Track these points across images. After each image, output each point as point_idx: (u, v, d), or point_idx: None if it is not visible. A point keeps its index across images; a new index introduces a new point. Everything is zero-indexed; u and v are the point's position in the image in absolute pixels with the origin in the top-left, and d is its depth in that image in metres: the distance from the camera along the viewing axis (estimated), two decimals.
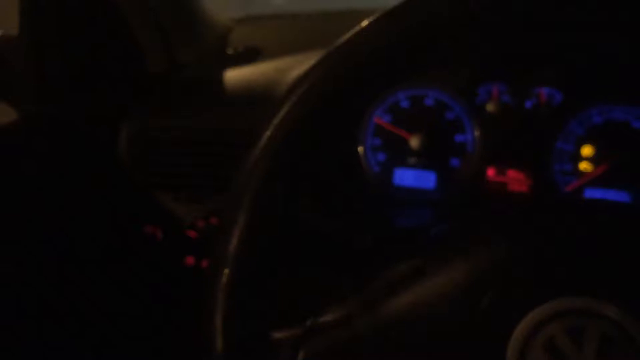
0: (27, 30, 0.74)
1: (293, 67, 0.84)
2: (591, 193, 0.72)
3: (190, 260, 0.72)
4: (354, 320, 0.40)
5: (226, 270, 0.41)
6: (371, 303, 0.40)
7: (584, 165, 0.72)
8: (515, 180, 0.74)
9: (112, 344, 0.79)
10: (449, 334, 0.38)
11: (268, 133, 0.43)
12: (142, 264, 0.77)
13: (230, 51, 0.92)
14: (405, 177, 0.78)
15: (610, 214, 0.44)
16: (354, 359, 0.39)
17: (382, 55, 0.45)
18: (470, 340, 0.37)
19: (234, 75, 0.85)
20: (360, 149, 0.78)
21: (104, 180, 0.78)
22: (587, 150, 0.72)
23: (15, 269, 0.73)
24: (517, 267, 0.39)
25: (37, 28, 0.74)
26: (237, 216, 0.41)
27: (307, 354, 0.40)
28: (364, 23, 0.45)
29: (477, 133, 0.75)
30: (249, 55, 0.91)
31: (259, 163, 0.43)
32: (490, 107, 0.74)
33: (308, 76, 0.44)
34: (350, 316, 0.40)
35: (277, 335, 0.41)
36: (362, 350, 0.39)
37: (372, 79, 0.47)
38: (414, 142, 0.76)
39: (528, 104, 0.73)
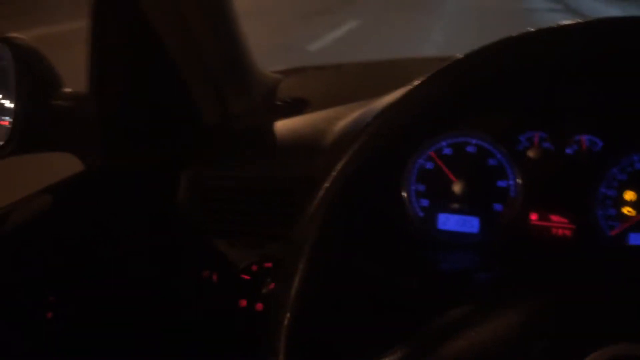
0: (95, 89, 0.80)
1: (339, 117, 0.88)
2: (636, 238, 0.73)
3: (243, 302, 0.76)
4: None
5: (287, 315, 0.44)
6: (425, 347, 0.43)
7: (627, 210, 0.73)
8: (559, 225, 0.76)
9: None
10: None
11: (327, 185, 0.46)
12: (200, 306, 0.80)
13: (278, 102, 0.97)
14: (449, 221, 0.81)
15: None
16: None
17: (434, 110, 0.49)
18: None
19: (283, 126, 0.90)
20: (404, 194, 0.81)
21: (166, 228, 0.82)
22: (629, 195, 0.73)
23: (78, 310, 0.78)
24: (569, 313, 0.41)
25: (104, 87, 0.80)
26: (298, 264, 0.45)
27: None
28: (418, 81, 0.49)
29: (519, 179, 0.77)
30: (297, 106, 0.96)
31: (318, 213, 0.46)
32: (531, 153, 0.76)
33: (364, 130, 0.48)
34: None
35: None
36: None
37: (421, 130, 0.50)
38: (457, 188, 0.79)
39: (569, 151, 0.75)
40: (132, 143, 0.83)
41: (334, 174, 0.47)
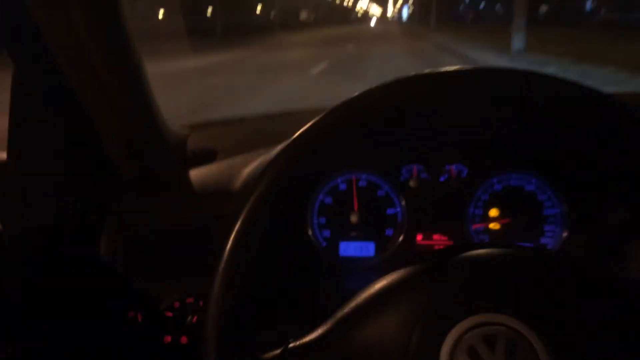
0: (14, 148, 0.85)
1: (244, 164, 0.98)
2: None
3: (168, 338, 0.82)
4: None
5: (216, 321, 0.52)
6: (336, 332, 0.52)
7: (492, 225, 0.88)
8: (440, 242, 0.89)
9: None
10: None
11: (237, 225, 0.55)
12: (127, 345, 0.85)
13: (189, 154, 1.05)
14: (349, 248, 0.92)
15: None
16: None
17: (328, 148, 0.58)
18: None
19: (195, 174, 0.98)
20: (308, 228, 0.91)
21: (89, 276, 0.87)
22: (493, 212, 0.88)
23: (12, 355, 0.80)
24: (436, 301, 0.52)
25: (23, 147, 0.85)
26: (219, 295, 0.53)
27: None
28: (311, 122, 0.58)
29: (404, 205, 0.90)
30: (206, 156, 1.05)
31: (232, 249, 0.54)
32: (412, 183, 0.89)
33: (266, 173, 0.57)
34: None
35: (266, 356, 0.52)
36: None
37: (318, 169, 0.60)
38: (354, 218, 0.91)
39: (442, 179, 0.89)
40: (51, 200, 0.88)
41: (243, 213, 0.56)
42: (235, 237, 0.55)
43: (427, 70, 0.57)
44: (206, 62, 11.68)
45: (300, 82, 8.31)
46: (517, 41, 11.39)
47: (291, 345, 0.52)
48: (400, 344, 0.50)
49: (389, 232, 0.91)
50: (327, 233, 0.92)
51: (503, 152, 0.88)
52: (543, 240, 0.87)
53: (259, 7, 46.38)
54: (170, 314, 0.82)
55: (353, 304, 0.54)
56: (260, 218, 0.56)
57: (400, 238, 0.90)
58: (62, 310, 0.84)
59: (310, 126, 0.58)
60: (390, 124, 0.59)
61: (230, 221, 0.56)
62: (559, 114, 0.55)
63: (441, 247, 0.89)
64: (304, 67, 10.19)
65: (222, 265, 0.53)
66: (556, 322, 0.48)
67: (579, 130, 0.55)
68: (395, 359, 0.50)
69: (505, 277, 0.53)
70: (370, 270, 0.89)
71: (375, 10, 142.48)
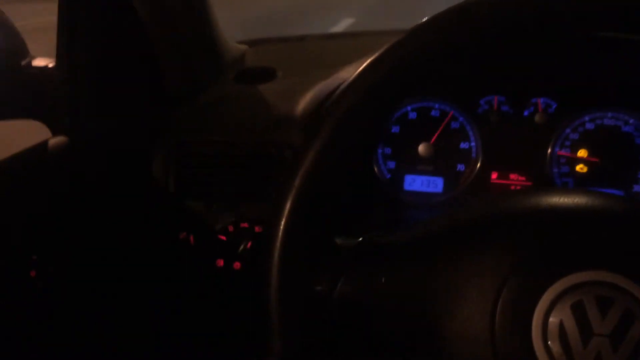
0: (63, 61, 0.80)
1: (304, 86, 0.91)
2: None
3: (221, 262, 0.78)
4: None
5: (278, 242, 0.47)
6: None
7: (579, 167, 0.79)
8: (517, 182, 0.81)
9: (147, 341, 0.84)
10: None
11: (311, 153, 0.49)
12: (178, 266, 0.82)
13: (246, 71, 0.98)
14: (415, 182, 0.85)
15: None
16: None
17: (401, 73, 0.51)
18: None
19: (251, 94, 0.91)
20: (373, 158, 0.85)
21: (140, 195, 0.83)
22: (581, 154, 0.79)
23: (61, 269, 0.78)
24: (530, 250, 0.45)
25: (72, 59, 0.80)
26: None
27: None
28: (386, 46, 0.51)
29: (480, 140, 0.82)
30: (263, 75, 0.98)
31: (299, 172, 0.48)
32: (491, 116, 0.81)
33: (343, 97, 0.50)
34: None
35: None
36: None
37: (395, 96, 0.53)
38: (422, 150, 0.83)
39: (526, 113, 0.80)
40: (99, 114, 0.84)
41: (318, 140, 0.49)
42: (308, 163, 0.49)
43: None
44: None
45: None
46: None
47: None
48: (491, 288, 0.44)
49: (460, 167, 0.83)
50: (392, 165, 0.85)
51: (599, 87, 0.78)
52: (636, 188, 0.78)
53: None
54: (223, 238, 0.78)
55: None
56: (334, 146, 0.50)
57: (473, 175, 0.82)
58: (110, 228, 0.81)
59: (392, 48, 0.51)
60: (475, 48, 0.51)
61: (301, 148, 0.49)
62: None
63: (518, 187, 0.81)
64: None
65: (291, 192, 0.47)
66: None
67: None
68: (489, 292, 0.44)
69: (613, 230, 0.45)
70: (437, 207, 0.83)
71: None
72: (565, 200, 0.48)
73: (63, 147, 0.80)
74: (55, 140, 0.79)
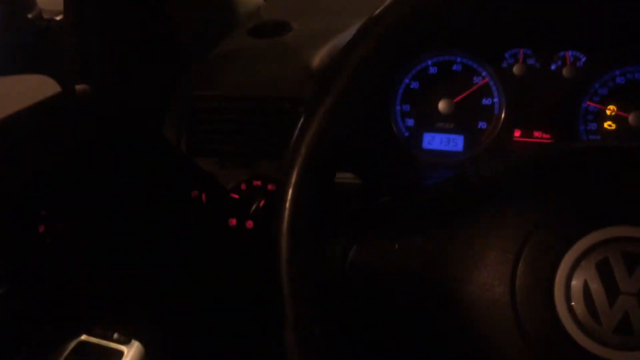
0: (71, 12, 0.77)
1: (321, 40, 0.88)
2: None
3: (233, 221, 0.77)
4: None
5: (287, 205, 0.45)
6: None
7: (607, 124, 0.75)
8: (542, 140, 0.78)
9: (161, 297, 0.84)
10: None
11: (323, 108, 0.46)
12: (190, 225, 0.81)
13: (260, 25, 0.95)
14: (434, 141, 0.82)
15: None
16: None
17: (416, 21, 0.48)
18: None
19: (265, 48, 0.88)
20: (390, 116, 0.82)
21: (152, 153, 0.82)
22: (610, 110, 0.75)
23: (70, 225, 0.77)
24: (557, 205, 0.42)
25: (80, 10, 0.77)
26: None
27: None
28: None
29: (503, 96, 0.78)
30: (279, 28, 0.95)
31: (310, 130, 0.46)
32: (516, 70, 0.77)
33: (352, 47, 0.47)
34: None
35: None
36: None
37: (405, 45, 0.50)
38: (442, 106, 0.80)
39: (553, 67, 0.76)
40: (110, 66, 0.81)
41: (330, 96, 0.46)
42: (320, 118, 0.46)
43: None
44: None
45: None
46: None
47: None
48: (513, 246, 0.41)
49: (482, 125, 0.80)
50: (410, 122, 0.82)
51: (631, 40, 0.74)
52: None
53: None
54: (236, 197, 0.77)
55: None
56: (347, 101, 0.47)
57: (495, 132, 0.79)
58: (121, 186, 0.80)
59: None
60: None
61: (313, 104, 0.47)
62: None
63: None
64: None
65: (303, 148, 0.45)
66: None
67: None
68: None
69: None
70: (457, 167, 0.80)
71: None
72: (591, 154, 0.45)
73: (87, 96, 0.78)
74: (80, 88, 0.78)
